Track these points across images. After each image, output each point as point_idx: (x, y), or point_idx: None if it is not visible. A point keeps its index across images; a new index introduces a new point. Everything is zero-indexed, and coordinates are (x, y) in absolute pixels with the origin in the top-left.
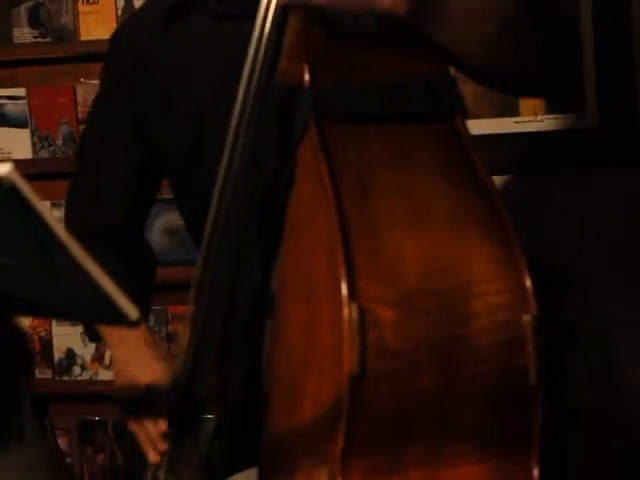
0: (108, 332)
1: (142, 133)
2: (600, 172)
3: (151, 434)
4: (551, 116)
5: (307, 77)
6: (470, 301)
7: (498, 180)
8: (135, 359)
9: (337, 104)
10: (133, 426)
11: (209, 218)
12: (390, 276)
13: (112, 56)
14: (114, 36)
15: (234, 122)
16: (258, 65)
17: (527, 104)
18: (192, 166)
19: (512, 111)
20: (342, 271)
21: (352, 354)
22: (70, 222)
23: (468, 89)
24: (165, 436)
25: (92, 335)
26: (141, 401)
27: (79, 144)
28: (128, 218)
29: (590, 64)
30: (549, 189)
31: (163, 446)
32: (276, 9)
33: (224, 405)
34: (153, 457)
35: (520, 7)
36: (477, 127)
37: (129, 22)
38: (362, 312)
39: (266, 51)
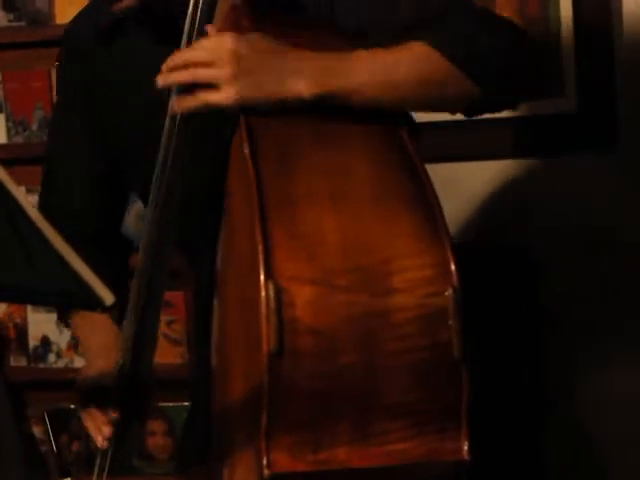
0: (80, 325)
1: (100, 136)
2: (578, 157)
3: (99, 423)
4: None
5: None
6: (391, 277)
7: (477, 166)
8: (107, 349)
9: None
10: (84, 415)
11: (148, 213)
12: (309, 253)
13: (64, 59)
14: (64, 36)
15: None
16: None
17: None
18: (147, 161)
19: None
20: (260, 249)
21: (270, 332)
22: None
23: None
24: (112, 423)
25: (65, 319)
26: (100, 390)
27: (45, 154)
28: (103, 221)
29: (569, 48)
30: (527, 174)
31: (107, 432)
32: None
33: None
34: (100, 442)
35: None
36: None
37: (77, 20)
38: (278, 291)
39: None
